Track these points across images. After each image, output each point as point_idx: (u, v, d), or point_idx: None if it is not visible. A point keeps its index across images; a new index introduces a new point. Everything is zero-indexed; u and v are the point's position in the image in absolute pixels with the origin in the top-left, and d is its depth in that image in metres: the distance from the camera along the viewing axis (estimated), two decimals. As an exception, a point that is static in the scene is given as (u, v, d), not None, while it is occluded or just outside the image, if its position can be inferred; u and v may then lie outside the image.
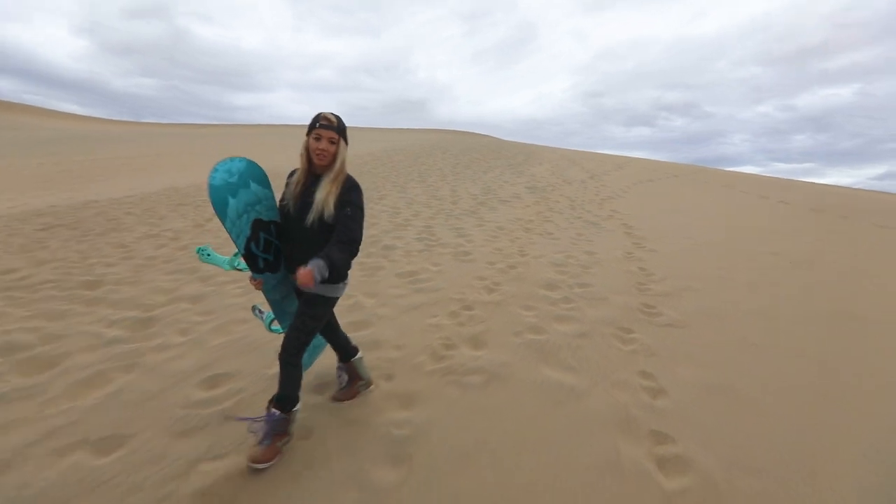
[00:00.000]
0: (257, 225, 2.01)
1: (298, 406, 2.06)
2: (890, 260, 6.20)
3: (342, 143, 1.94)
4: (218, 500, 1.76)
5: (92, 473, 1.88)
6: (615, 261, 5.35)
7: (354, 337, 3.11)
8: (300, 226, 1.94)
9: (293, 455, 2.01)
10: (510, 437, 2.17)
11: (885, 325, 3.84)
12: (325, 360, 2.70)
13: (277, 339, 2.35)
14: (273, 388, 2.12)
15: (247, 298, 3.79)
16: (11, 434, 2.10)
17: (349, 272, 2.12)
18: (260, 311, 2.50)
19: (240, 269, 2.18)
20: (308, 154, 1.94)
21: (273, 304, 2.24)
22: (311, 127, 1.91)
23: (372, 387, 2.55)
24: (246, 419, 2.04)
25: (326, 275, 1.73)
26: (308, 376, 2.53)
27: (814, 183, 20.17)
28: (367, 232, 6.36)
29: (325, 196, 1.89)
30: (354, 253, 1.91)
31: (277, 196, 2.11)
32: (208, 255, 2.22)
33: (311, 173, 1.98)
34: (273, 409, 1.99)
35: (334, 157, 1.91)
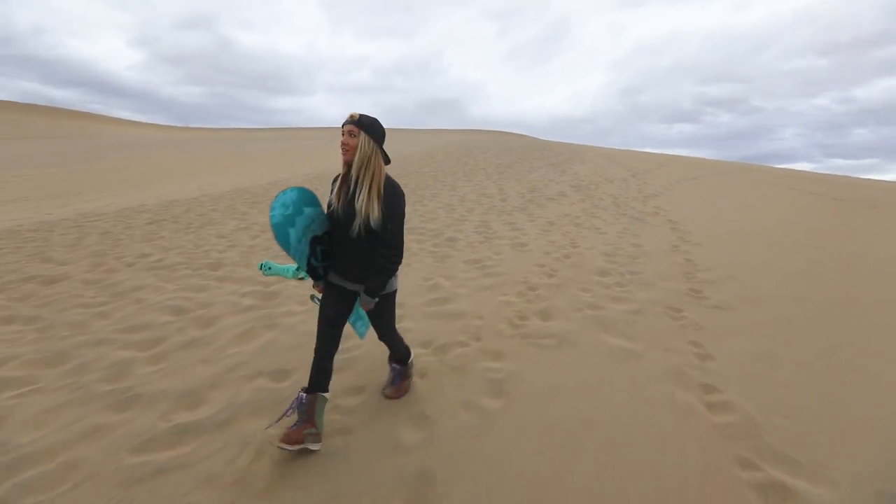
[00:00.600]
0: (315, 241, 2.13)
1: (328, 395, 2.20)
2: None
3: (363, 135, 1.96)
4: (361, 414, 2.41)
5: (274, 393, 2.57)
6: (662, 253, 5.74)
7: (440, 311, 3.74)
8: (346, 236, 2.04)
9: (416, 390, 2.62)
10: (583, 383, 2.71)
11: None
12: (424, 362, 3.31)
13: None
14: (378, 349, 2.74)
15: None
16: (209, 367, 2.84)
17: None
18: (318, 300, 2.56)
19: (302, 279, 2.44)
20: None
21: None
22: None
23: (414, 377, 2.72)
24: (286, 412, 2.14)
25: (382, 291, 2.13)
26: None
27: (872, 179, 19.32)
28: (429, 225, 7.02)
29: (367, 204, 1.96)
30: (398, 259, 2.08)
31: (324, 203, 2.20)
32: (269, 268, 2.40)
33: (348, 172, 2.05)
34: (301, 394, 2.12)
35: (356, 149, 1.96)
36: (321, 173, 14.17)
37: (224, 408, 2.42)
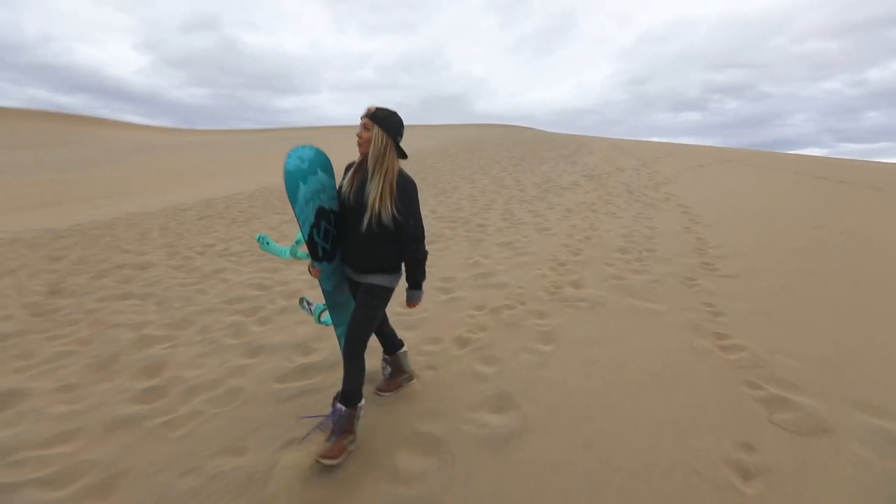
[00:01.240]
0: (320, 213, 2.06)
1: (362, 402, 2.12)
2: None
3: (377, 129, 1.95)
4: (440, 357, 3.00)
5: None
6: (674, 234, 6.28)
7: (486, 282, 4.33)
8: (357, 229, 2.02)
9: (479, 340, 3.22)
10: (616, 333, 3.30)
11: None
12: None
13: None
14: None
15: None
16: (307, 327, 3.45)
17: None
18: (308, 304, 2.55)
19: (299, 258, 2.28)
20: None
21: (326, 294, 2.28)
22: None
23: (414, 380, 2.65)
24: (314, 416, 2.22)
25: (424, 279, 2.19)
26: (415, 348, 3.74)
27: (881, 162, 19.57)
28: (458, 214, 7.61)
29: (378, 197, 1.95)
30: (424, 248, 2.13)
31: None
32: (267, 243, 2.27)
33: (364, 164, 2.04)
34: (338, 405, 2.05)
35: (370, 142, 1.96)
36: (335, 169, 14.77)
37: (330, 354, 3.03)
